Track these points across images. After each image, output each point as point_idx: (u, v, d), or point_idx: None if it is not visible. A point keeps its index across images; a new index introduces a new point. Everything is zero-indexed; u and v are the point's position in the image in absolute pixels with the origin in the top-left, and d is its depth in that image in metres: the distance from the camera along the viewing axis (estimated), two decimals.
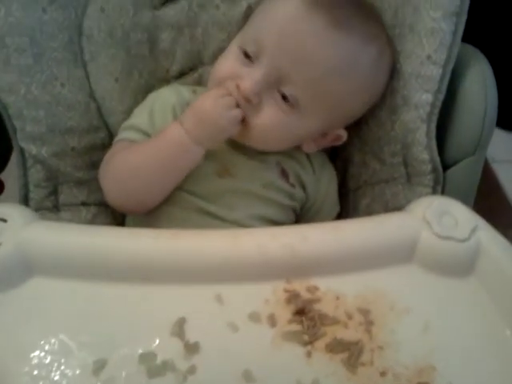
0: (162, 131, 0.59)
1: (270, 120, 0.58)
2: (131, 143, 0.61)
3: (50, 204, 0.65)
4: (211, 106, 0.56)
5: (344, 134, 0.64)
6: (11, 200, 0.61)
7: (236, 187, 0.63)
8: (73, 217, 0.66)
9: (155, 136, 0.60)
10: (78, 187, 0.66)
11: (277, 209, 0.65)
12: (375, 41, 0.59)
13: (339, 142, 0.66)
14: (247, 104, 0.57)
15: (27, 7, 0.56)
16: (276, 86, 0.57)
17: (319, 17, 0.55)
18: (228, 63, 0.60)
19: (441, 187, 0.62)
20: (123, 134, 0.63)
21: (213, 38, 0.69)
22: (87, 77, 0.63)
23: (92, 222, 0.67)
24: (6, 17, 0.55)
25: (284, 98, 0.57)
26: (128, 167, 0.59)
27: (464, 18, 0.56)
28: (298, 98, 0.57)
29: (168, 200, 0.61)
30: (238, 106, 0.57)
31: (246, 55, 0.58)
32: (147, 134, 0.62)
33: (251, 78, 0.56)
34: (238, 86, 0.57)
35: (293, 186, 0.66)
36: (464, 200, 0.55)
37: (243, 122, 0.58)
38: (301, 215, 0.69)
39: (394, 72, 0.62)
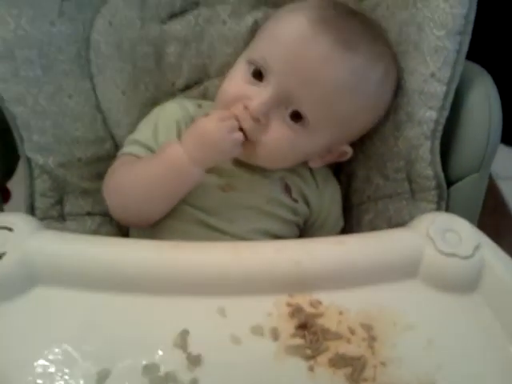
0: (162, 150, 0.59)
1: (278, 139, 0.58)
2: (134, 158, 0.62)
3: (55, 213, 0.65)
4: (213, 128, 0.56)
5: (349, 151, 0.65)
6: (17, 209, 0.62)
7: (239, 202, 0.63)
8: (78, 226, 0.66)
9: (156, 153, 0.60)
10: (83, 197, 0.66)
11: (279, 223, 0.65)
12: (381, 59, 0.60)
13: (344, 158, 0.66)
14: (255, 124, 0.57)
15: (36, 20, 0.57)
16: (284, 105, 0.58)
17: (326, 37, 0.55)
18: (235, 84, 0.60)
19: (445, 203, 0.62)
20: (127, 149, 0.64)
21: (219, 52, 0.70)
22: (94, 89, 0.63)
23: (97, 231, 0.67)
24: (15, 30, 0.56)
25: (293, 116, 0.58)
26: (128, 184, 0.60)
27: (468, 36, 0.57)
28: (307, 117, 0.58)
29: (171, 213, 0.61)
30: (240, 129, 0.57)
31: (254, 74, 0.59)
32: (150, 149, 0.62)
33: (259, 98, 0.57)
34: (246, 107, 0.57)
35: (295, 201, 0.66)
36: (468, 216, 0.55)
37: (250, 142, 0.58)
38: (304, 230, 0.69)
39: (398, 88, 0.62)
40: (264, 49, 0.59)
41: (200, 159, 0.56)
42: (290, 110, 0.58)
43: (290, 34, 0.57)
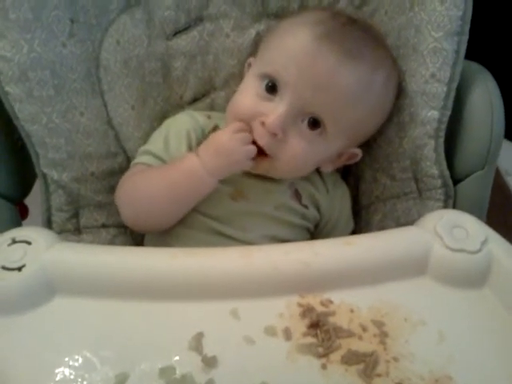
0: (177, 160, 0.61)
1: (297, 153, 0.60)
2: (146, 167, 0.64)
3: (71, 227, 0.67)
4: (228, 139, 0.58)
5: (359, 152, 0.66)
6: (35, 224, 0.63)
7: (249, 209, 0.64)
8: (94, 238, 0.68)
9: (171, 163, 0.62)
10: (97, 210, 0.68)
11: (289, 229, 0.66)
12: (384, 64, 0.61)
13: (354, 160, 0.68)
14: (273, 140, 0.59)
15: (48, 42, 0.59)
16: (300, 118, 0.59)
17: (333, 50, 0.57)
18: (247, 100, 0.61)
19: (452, 201, 0.63)
20: (139, 159, 0.65)
21: (223, 65, 0.72)
22: (105, 105, 0.65)
23: (112, 242, 0.69)
24: (28, 53, 0.58)
25: (310, 125, 0.59)
26: (142, 192, 0.62)
27: (466, 36, 0.58)
28: (324, 123, 0.59)
29: (183, 221, 0.63)
30: (253, 143, 0.59)
31: (267, 88, 0.60)
32: (162, 160, 0.64)
33: (275, 113, 0.58)
34: (263, 123, 0.58)
35: (305, 206, 0.67)
36: (476, 213, 0.56)
37: (268, 158, 0.60)
38: (315, 233, 0.70)
39: (400, 91, 0.63)
40: (276, 62, 0.60)
41: (214, 169, 0.58)
42: (307, 119, 0.59)
43: (298, 48, 0.58)
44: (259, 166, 0.61)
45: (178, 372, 0.44)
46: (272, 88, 0.60)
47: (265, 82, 0.60)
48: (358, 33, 0.60)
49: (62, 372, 0.43)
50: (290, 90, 0.58)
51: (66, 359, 0.44)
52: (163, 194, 0.60)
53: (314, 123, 0.59)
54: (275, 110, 0.58)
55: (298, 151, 0.60)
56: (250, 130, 0.59)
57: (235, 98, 0.64)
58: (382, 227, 0.68)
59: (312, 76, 0.57)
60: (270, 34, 0.65)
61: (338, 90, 0.58)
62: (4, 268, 0.48)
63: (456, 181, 0.63)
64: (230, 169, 0.60)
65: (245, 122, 0.60)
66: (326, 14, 0.61)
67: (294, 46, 0.58)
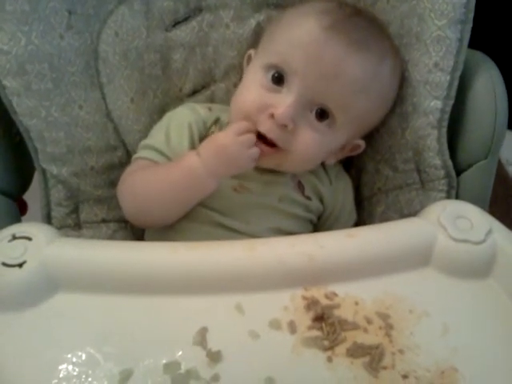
0: (179, 159, 0.60)
1: (308, 144, 0.59)
2: (149, 163, 0.63)
3: (71, 222, 0.66)
4: (230, 143, 0.57)
5: (362, 144, 0.66)
6: (34, 219, 0.63)
7: (252, 201, 0.64)
8: (94, 234, 0.68)
9: (173, 162, 0.62)
10: (97, 205, 0.68)
11: (293, 221, 0.66)
12: (388, 54, 0.61)
13: (357, 152, 0.67)
14: (283, 132, 0.58)
15: (46, 35, 0.58)
16: (309, 108, 0.59)
17: (340, 41, 0.57)
18: (253, 93, 0.60)
19: (455, 191, 0.63)
20: (141, 153, 0.65)
21: (223, 56, 0.71)
22: (104, 98, 0.65)
23: (112, 237, 0.69)
24: (26, 45, 0.57)
25: (318, 116, 0.59)
26: (144, 188, 0.61)
27: (469, 25, 0.58)
28: (333, 113, 0.59)
29: (187, 215, 0.62)
30: (260, 136, 0.58)
31: (273, 79, 0.59)
32: (163, 154, 0.63)
33: (284, 103, 0.57)
34: (271, 115, 0.57)
35: (308, 198, 0.67)
36: (479, 203, 0.56)
37: (279, 151, 0.59)
38: (318, 225, 0.70)
39: (402, 80, 0.63)
40: (283, 52, 0.59)
41: (216, 172, 0.58)
42: (315, 110, 0.59)
43: (306, 38, 0.57)
44: (269, 161, 0.61)
45: (182, 367, 0.43)
46: (278, 79, 0.59)
47: (271, 73, 0.59)
48: (364, 24, 0.60)
49: (66, 369, 0.43)
50: (298, 80, 0.57)
51: (69, 356, 0.44)
52: (164, 194, 0.60)
53: (322, 114, 0.59)
54: (284, 100, 0.57)
55: (311, 143, 0.59)
56: (255, 128, 0.58)
57: (239, 92, 0.63)
58: (384, 218, 0.68)
59: (321, 66, 0.57)
60: (272, 25, 0.65)
61: (346, 80, 0.57)
62: (4, 264, 0.47)
63: (459, 171, 0.63)
64: (231, 172, 0.59)
65: (251, 117, 0.59)
66: (332, 5, 0.60)
67: (302, 36, 0.58)
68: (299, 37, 0.58)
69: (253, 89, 0.60)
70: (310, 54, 0.57)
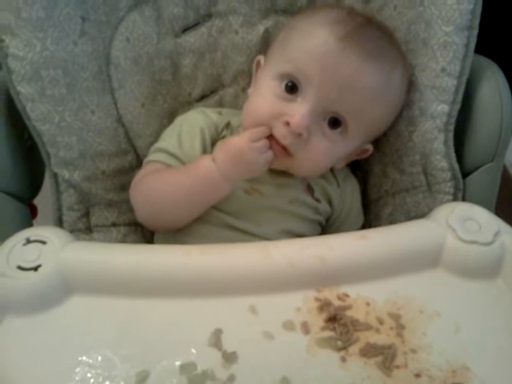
0: (193, 163, 0.60)
1: (319, 152, 0.60)
2: (162, 166, 0.64)
3: (82, 226, 0.67)
4: (246, 149, 0.57)
5: (370, 148, 0.67)
6: (44, 223, 0.63)
7: (263, 204, 0.65)
8: (104, 237, 0.68)
9: (187, 166, 0.62)
10: (108, 209, 0.68)
11: (302, 223, 0.67)
12: (399, 61, 0.62)
13: (365, 155, 0.68)
14: (296, 140, 0.58)
15: (60, 41, 0.58)
16: (322, 116, 0.59)
17: (354, 51, 0.57)
18: (267, 102, 0.60)
19: (461, 194, 0.63)
20: (153, 157, 0.65)
21: (232, 61, 0.72)
22: (115, 103, 0.65)
23: (122, 241, 0.69)
24: (41, 52, 0.57)
25: (331, 124, 0.59)
26: (159, 192, 0.62)
27: (476, 30, 0.59)
28: (347, 122, 0.59)
29: (199, 217, 0.63)
30: (270, 147, 0.59)
31: (287, 89, 0.59)
32: (176, 157, 0.64)
33: (299, 112, 0.58)
34: (287, 123, 0.58)
35: (318, 200, 0.68)
36: (485, 205, 0.57)
37: (291, 156, 0.60)
38: (326, 227, 0.71)
39: (410, 85, 0.64)
40: (298, 61, 0.59)
41: (231, 176, 0.58)
42: (328, 118, 0.59)
43: (321, 48, 0.58)
44: (281, 163, 0.61)
45: (198, 368, 0.44)
46: (292, 88, 0.59)
47: (284, 82, 0.60)
48: (376, 33, 0.61)
49: (82, 371, 0.43)
50: (313, 89, 0.58)
51: (86, 358, 0.44)
52: (179, 197, 0.60)
53: (335, 122, 0.60)
54: (298, 109, 0.58)
55: (321, 151, 0.60)
56: (269, 131, 0.59)
57: (252, 101, 0.63)
58: (391, 221, 0.69)
59: (336, 76, 0.57)
60: (283, 33, 0.65)
61: (361, 90, 0.58)
62: (20, 268, 0.48)
63: (465, 174, 0.64)
64: (247, 176, 0.60)
65: (264, 123, 0.59)
66: (343, 13, 0.61)
67: (316, 46, 0.58)
68: (314, 47, 0.58)
69: (267, 97, 0.61)
70: (325, 64, 0.57)
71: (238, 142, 0.58)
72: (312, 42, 0.59)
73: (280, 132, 0.59)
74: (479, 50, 0.61)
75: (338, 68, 0.57)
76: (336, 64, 0.57)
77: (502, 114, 0.61)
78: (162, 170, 0.63)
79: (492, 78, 0.62)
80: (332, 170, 0.69)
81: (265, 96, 0.61)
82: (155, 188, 0.62)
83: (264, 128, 0.59)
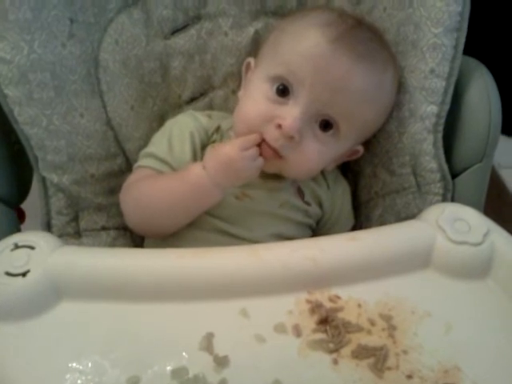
0: (184, 171, 0.60)
1: (310, 154, 0.60)
2: (152, 172, 0.63)
3: (71, 230, 0.66)
4: (236, 157, 0.57)
5: (361, 149, 0.67)
6: (31, 228, 0.63)
7: (254, 208, 0.64)
8: (94, 241, 0.67)
9: (178, 173, 0.62)
10: (97, 213, 0.68)
11: (293, 226, 0.67)
12: (389, 64, 0.62)
13: (355, 157, 0.68)
14: (287, 142, 0.58)
15: (48, 44, 0.58)
16: (314, 119, 0.59)
17: (346, 54, 0.57)
18: (258, 105, 0.60)
19: (451, 194, 0.64)
20: (143, 162, 0.65)
21: (222, 63, 0.71)
22: (104, 106, 0.65)
23: (112, 245, 0.69)
24: (28, 54, 0.57)
25: (322, 126, 0.59)
26: (149, 198, 0.61)
27: (464, 32, 0.59)
28: (338, 124, 0.59)
29: (190, 222, 0.62)
30: (260, 152, 0.58)
31: (278, 91, 0.59)
32: (165, 162, 0.64)
33: (291, 115, 0.57)
34: (279, 126, 0.58)
35: (308, 203, 0.68)
36: (474, 205, 0.57)
37: (282, 159, 0.59)
38: (317, 230, 0.71)
39: (399, 86, 0.64)
40: (290, 64, 0.59)
41: (222, 184, 0.58)
42: (319, 121, 0.59)
43: (312, 51, 0.58)
44: (272, 166, 0.61)
45: (190, 372, 0.43)
46: (283, 91, 0.59)
47: (276, 86, 0.60)
48: (366, 34, 0.61)
49: (73, 377, 0.43)
50: (305, 91, 0.58)
51: (76, 364, 0.44)
52: (170, 205, 0.60)
53: (326, 125, 0.60)
54: (290, 112, 0.58)
55: (313, 153, 0.60)
56: (261, 138, 0.58)
57: (243, 104, 0.63)
58: (382, 222, 0.69)
59: (328, 78, 0.57)
60: (274, 36, 0.65)
61: (353, 92, 0.58)
62: (8, 274, 0.47)
63: (454, 174, 0.64)
64: (237, 183, 0.60)
65: (256, 127, 0.59)
66: (333, 15, 0.61)
67: (308, 48, 0.58)
68: (306, 49, 0.58)
69: (258, 101, 0.60)
70: (317, 65, 0.57)
71: (228, 150, 0.57)
72: (303, 44, 0.59)
73: (272, 135, 0.58)
74: (467, 51, 0.61)
75: (329, 70, 0.57)
76: (327, 66, 0.57)
77: (491, 115, 0.61)
78: (153, 176, 0.63)
79: (480, 79, 0.62)
80: (322, 172, 0.69)
81: (256, 99, 0.61)
82: (147, 193, 0.61)
83: (255, 135, 0.59)
